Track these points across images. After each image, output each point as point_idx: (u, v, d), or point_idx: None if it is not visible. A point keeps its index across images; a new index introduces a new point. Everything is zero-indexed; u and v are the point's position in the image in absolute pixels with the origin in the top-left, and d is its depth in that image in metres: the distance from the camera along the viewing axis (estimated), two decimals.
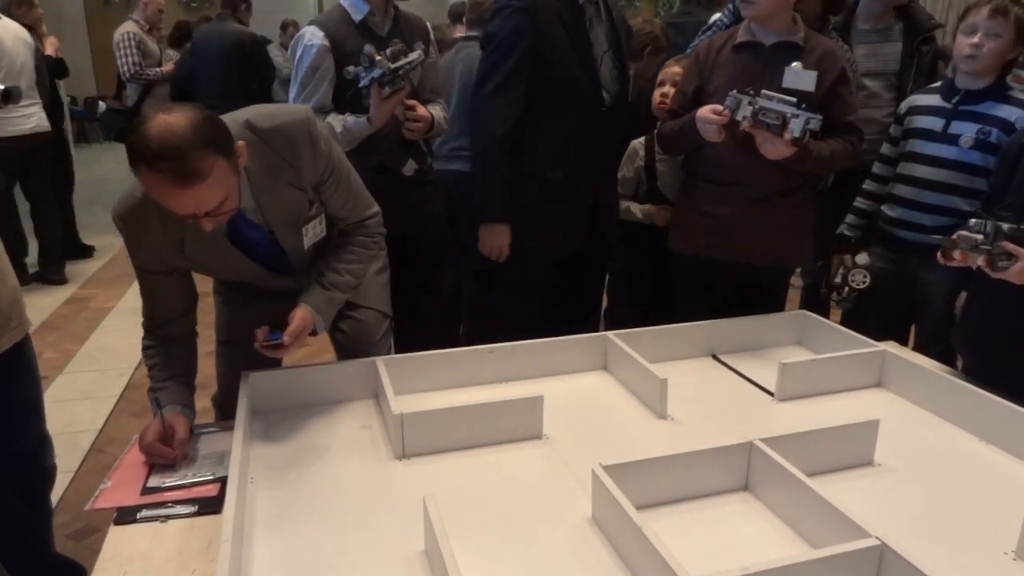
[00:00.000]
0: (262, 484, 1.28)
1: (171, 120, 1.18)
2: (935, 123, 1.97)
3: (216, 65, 4.63)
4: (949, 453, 1.38)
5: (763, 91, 1.78)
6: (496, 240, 2.08)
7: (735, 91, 1.81)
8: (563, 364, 1.70)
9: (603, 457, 1.17)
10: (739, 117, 1.79)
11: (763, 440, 1.22)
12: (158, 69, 5.09)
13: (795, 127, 1.74)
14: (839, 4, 2.49)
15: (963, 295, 1.80)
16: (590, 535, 1.14)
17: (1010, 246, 1.41)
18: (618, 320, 2.67)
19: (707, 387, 1.66)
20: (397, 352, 2.11)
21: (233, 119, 1.38)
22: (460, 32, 4.31)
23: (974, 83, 1.91)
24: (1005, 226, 1.43)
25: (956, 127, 1.93)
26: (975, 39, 1.85)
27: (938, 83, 2.07)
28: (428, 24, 2.30)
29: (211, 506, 1.23)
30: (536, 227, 2.05)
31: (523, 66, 1.95)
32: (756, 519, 1.18)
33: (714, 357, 1.81)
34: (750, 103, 1.77)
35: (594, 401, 1.59)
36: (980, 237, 1.43)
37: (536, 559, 1.09)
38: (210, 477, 1.32)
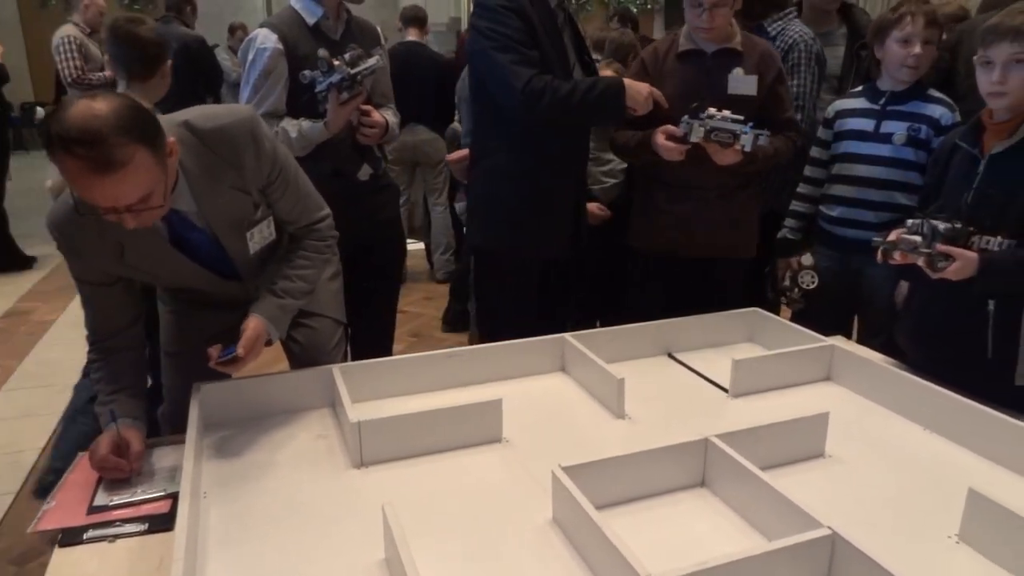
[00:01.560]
0: (215, 499, 1.25)
1: (95, 105, 1.13)
2: (866, 124, 2.05)
3: None
4: (895, 442, 1.43)
5: (710, 110, 1.90)
6: (639, 92, 1.94)
7: (686, 117, 1.93)
8: (521, 367, 1.70)
9: (563, 458, 1.17)
10: (693, 139, 1.93)
11: (718, 436, 1.25)
12: (101, 74, 4.92)
13: (746, 143, 1.89)
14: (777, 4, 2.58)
15: (902, 284, 1.87)
16: (551, 536, 1.14)
17: (946, 248, 1.47)
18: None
19: (663, 385, 1.68)
20: (352, 359, 2.09)
21: (171, 120, 1.34)
22: (412, 36, 4.31)
23: (898, 85, 2.01)
24: (941, 226, 1.49)
25: (887, 126, 2.02)
26: (916, 50, 1.93)
27: (859, 87, 2.15)
28: (379, 29, 2.28)
29: (162, 523, 1.19)
30: (526, 229, 2.06)
31: (525, 39, 1.91)
32: (713, 514, 1.20)
33: (670, 355, 1.83)
34: (701, 125, 1.90)
35: (553, 403, 1.60)
36: (919, 239, 1.49)
37: (498, 562, 1.09)
38: (160, 493, 1.28)
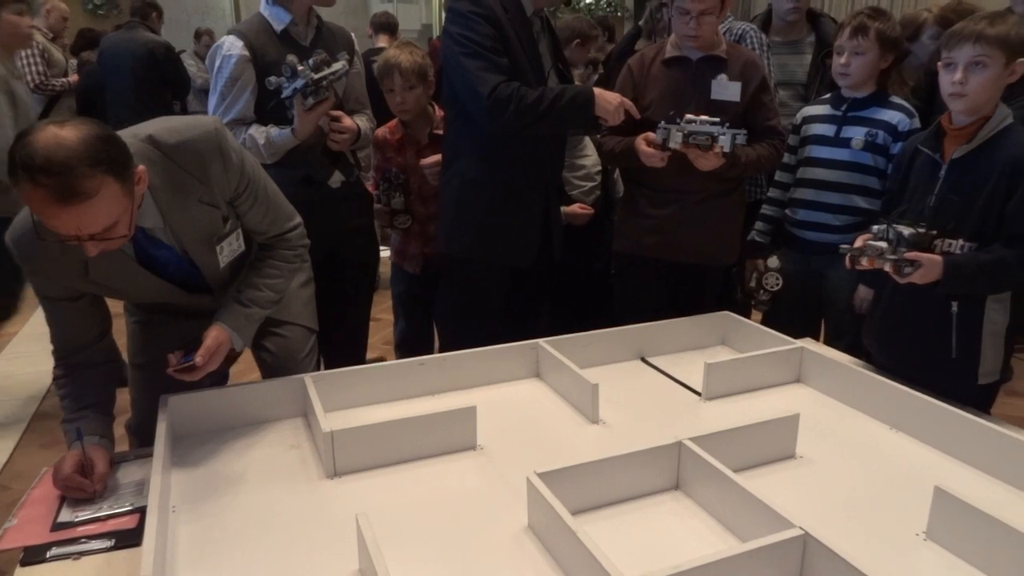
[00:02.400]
0: (185, 513, 1.22)
1: (62, 133, 1.10)
2: (828, 129, 2.10)
3: (126, 76, 4.43)
4: (863, 442, 1.45)
5: (687, 116, 1.93)
6: (609, 102, 1.94)
7: (663, 123, 1.95)
8: (495, 373, 1.70)
9: (537, 464, 1.17)
10: (672, 145, 1.94)
11: (691, 439, 1.26)
12: (65, 79, 4.83)
13: (724, 143, 1.91)
14: None
15: (860, 289, 1.91)
16: (527, 543, 1.14)
17: (913, 254, 1.50)
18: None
19: (637, 390, 1.69)
20: (325, 368, 2.07)
21: (134, 134, 1.31)
22: (383, 43, 4.30)
23: (857, 92, 2.06)
24: (906, 232, 1.52)
25: (847, 131, 2.06)
26: (843, 59, 2.01)
27: (827, 95, 2.20)
28: (352, 35, 2.27)
29: (129, 539, 1.17)
30: (494, 236, 2.05)
31: (507, 65, 1.91)
32: (688, 517, 1.21)
33: (643, 360, 1.84)
34: (679, 131, 1.92)
35: (527, 409, 1.60)
36: (884, 245, 1.52)
37: (473, 571, 1.08)
38: (128, 508, 1.26)
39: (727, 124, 1.92)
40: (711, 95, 2.05)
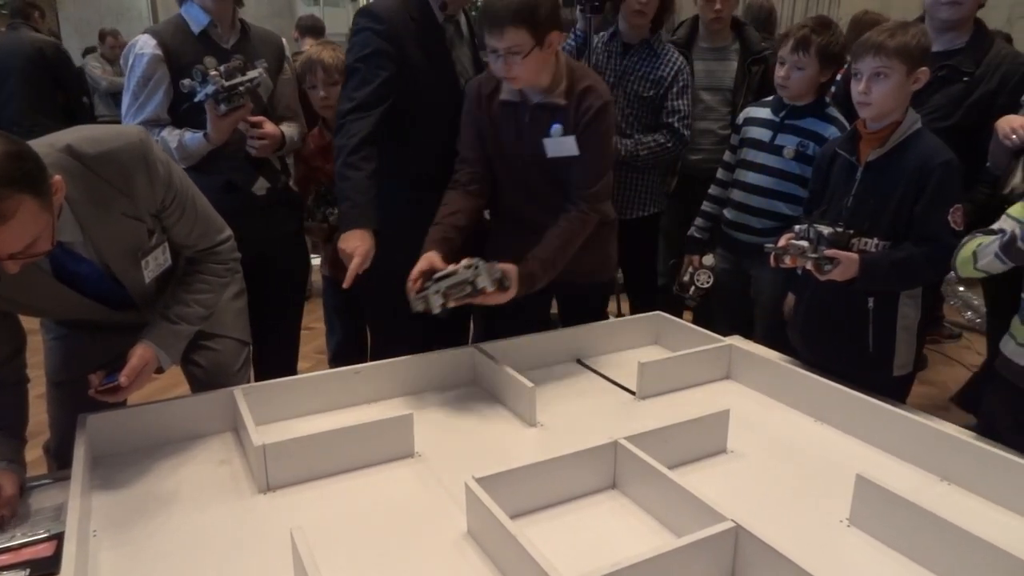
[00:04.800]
0: (107, 538, 1.16)
1: None
2: (764, 134, 2.15)
3: (15, 79, 4.19)
4: (789, 434, 1.51)
5: (436, 274, 1.62)
6: (349, 244, 1.77)
7: (415, 294, 1.63)
8: (432, 380, 1.69)
9: (476, 469, 1.17)
10: (436, 311, 1.61)
11: (627, 438, 1.28)
12: None
13: (485, 283, 1.60)
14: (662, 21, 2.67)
15: (790, 297, 1.97)
16: (466, 549, 1.13)
17: (833, 252, 1.57)
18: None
19: (574, 391, 1.71)
20: (256, 379, 2.01)
21: (51, 144, 1.24)
22: (308, 46, 4.21)
23: (797, 101, 2.10)
24: (826, 231, 1.59)
25: (781, 139, 2.11)
26: (782, 72, 2.06)
27: (771, 97, 2.26)
28: (283, 40, 2.22)
29: (46, 567, 1.11)
30: (410, 244, 2.02)
31: (385, 91, 1.84)
32: (625, 515, 1.23)
33: (579, 361, 1.86)
34: (436, 291, 1.59)
35: (465, 414, 1.59)
36: (806, 244, 1.59)
37: None
38: (43, 535, 1.19)
39: (478, 262, 1.61)
40: (548, 154, 1.78)
